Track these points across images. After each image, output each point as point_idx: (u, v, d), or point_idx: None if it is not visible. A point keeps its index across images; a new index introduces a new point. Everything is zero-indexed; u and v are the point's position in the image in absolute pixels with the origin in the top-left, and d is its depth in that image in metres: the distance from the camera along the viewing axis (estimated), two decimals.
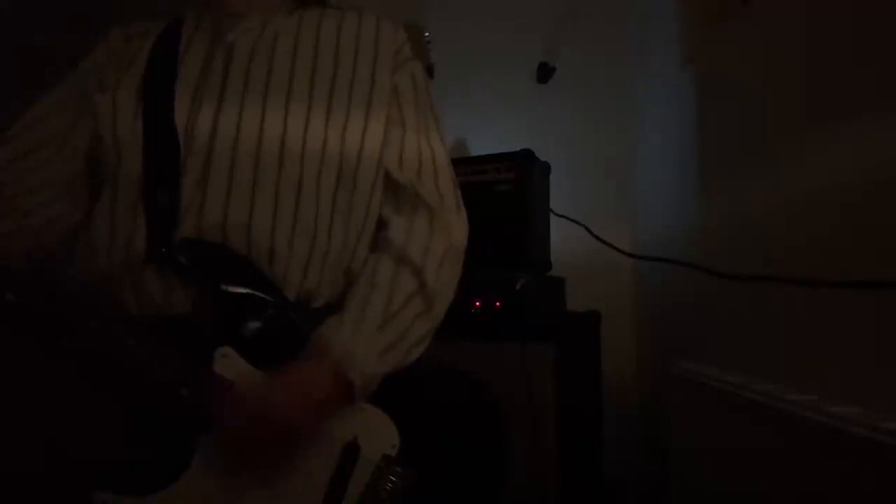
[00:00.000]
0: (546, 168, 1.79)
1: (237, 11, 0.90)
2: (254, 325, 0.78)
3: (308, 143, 0.84)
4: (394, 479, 0.73)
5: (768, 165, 1.20)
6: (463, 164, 1.74)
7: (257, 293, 0.79)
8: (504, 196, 1.64)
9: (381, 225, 0.90)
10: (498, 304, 1.53)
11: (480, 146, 2.05)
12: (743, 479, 1.10)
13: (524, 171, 1.64)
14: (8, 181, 0.84)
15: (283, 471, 0.73)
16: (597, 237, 1.81)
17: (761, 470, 1.03)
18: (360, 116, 0.88)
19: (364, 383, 0.76)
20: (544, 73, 2.11)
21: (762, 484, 1.03)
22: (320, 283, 0.84)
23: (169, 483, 0.69)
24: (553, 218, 1.83)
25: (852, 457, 0.79)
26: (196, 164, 0.81)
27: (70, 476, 0.66)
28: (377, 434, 0.76)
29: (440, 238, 0.88)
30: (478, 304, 1.54)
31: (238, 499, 0.71)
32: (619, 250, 1.79)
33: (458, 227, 0.92)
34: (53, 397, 0.69)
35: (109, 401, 0.70)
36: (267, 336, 0.78)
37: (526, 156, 1.65)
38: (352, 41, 0.91)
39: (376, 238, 0.90)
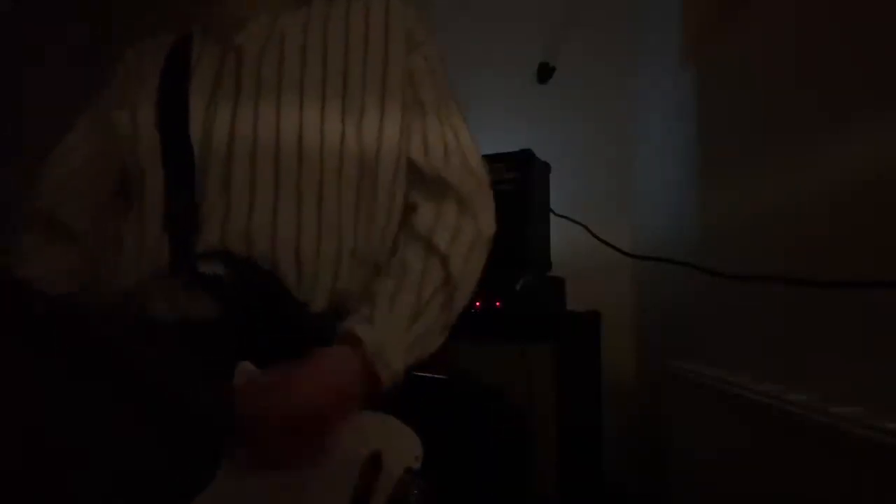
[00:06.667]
0: (546, 168, 1.79)
1: (242, 15, 0.89)
2: (278, 336, 0.77)
3: (326, 138, 0.82)
4: (416, 491, 0.72)
5: (768, 165, 1.20)
6: None
7: (282, 304, 0.78)
8: (504, 196, 1.62)
9: (409, 209, 0.89)
10: (498, 304, 1.53)
11: (480, 146, 2.04)
12: (743, 479, 1.10)
13: (524, 171, 1.64)
14: (58, 205, 0.90)
15: (307, 479, 0.71)
16: (597, 237, 1.81)
17: (761, 470, 1.03)
18: (376, 106, 0.86)
19: (391, 379, 0.75)
20: (544, 73, 2.11)
21: (762, 484, 1.03)
22: (351, 281, 0.82)
23: (193, 497, 0.67)
24: (553, 218, 1.83)
25: (852, 457, 0.79)
26: (216, 173, 0.81)
27: (94, 488, 0.64)
28: (400, 446, 0.74)
29: (468, 226, 0.86)
30: (478, 304, 1.54)
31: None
32: (619, 250, 1.79)
33: (486, 212, 0.90)
34: (78, 410, 0.67)
35: (133, 415, 0.67)
36: (291, 348, 0.75)
37: (526, 156, 1.65)
38: (361, 28, 0.89)
39: (402, 225, 0.89)
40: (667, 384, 1.49)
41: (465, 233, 0.86)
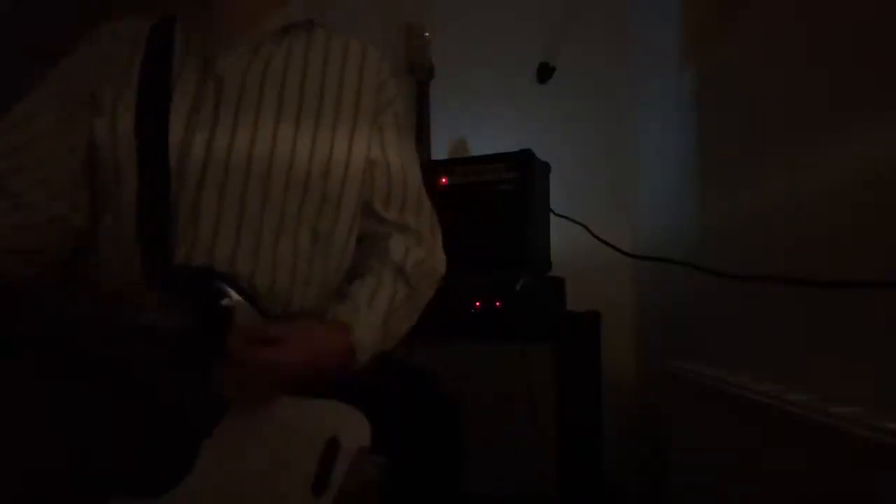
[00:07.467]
0: (546, 168, 1.79)
1: (227, 36, 0.91)
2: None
3: (292, 178, 0.88)
4: (368, 467, 0.84)
5: (768, 165, 1.20)
6: (463, 164, 1.74)
7: (249, 312, 0.85)
8: (504, 196, 1.64)
9: (381, 237, 0.98)
10: (498, 304, 1.53)
11: (480, 146, 2.05)
12: (743, 480, 1.10)
13: (524, 171, 1.64)
14: (10, 173, 0.84)
15: (275, 462, 0.80)
16: (597, 237, 1.81)
17: (761, 470, 1.03)
18: (343, 152, 0.93)
19: (361, 357, 0.86)
20: (544, 73, 2.11)
21: (762, 484, 1.03)
22: (304, 303, 0.90)
23: (173, 486, 0.74)
24: (553, 218, 1.83)
25: (852, 457, 0.79)
26: (187, 199, 0.85)
27: (86, 479, 0.69)
28: (353, 429, 0.84)
29: (427, 259, 0.99)
30: (478, 304, 1.54)
31: (237, 494, 0.78)
32: (619, 250, 1.79)
33: (439, 257, 1.03)
34: (73, 408, 0.72)
35: (120, 412, 0.73)
36: None
37: (526, 156, 1.65)
38: (336, 77, 0.95)
39: (369, 249, 0.98)
40: (667, 384, 1.49)
41: (425, 265, 0.98)
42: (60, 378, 0.70)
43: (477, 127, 2.14)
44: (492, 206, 1.64)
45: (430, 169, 1.79)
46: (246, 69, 0.90)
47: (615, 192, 2.08)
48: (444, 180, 1.70)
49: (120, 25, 0.95)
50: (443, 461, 0.91)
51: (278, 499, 0.79)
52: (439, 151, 2.07)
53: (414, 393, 0.93)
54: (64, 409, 0.69)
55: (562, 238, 1.84)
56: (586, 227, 1.83)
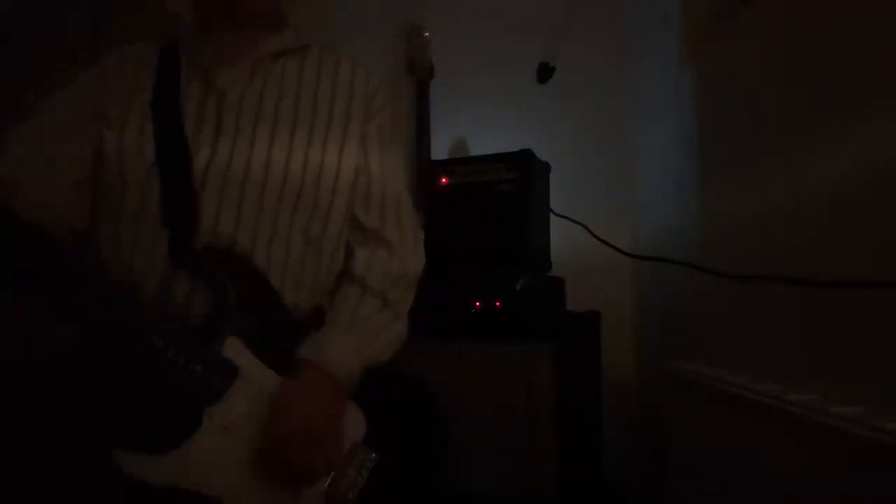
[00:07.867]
0: (546, 168, 1.79)
1: (227, 58, 0.98)
2: (260, 322, 0.91)
3: (286, 187, 0.94)
4: (362, 458, 0.90)
5: (768, 165, 1.20)
6: (463, 164, 1.74)
7: (264, 299, 0.92)
8: (504, 196, 1.64)
9: (348, 253, 1.03)
10: (498, 304, 1.53)
11: (480, 146, 2.04)
12: (743, 479, 1.10)
13: (524, 171, 1.64)
14: (19, 175, 0.90)
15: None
16: (597, 237, 1.81)
17: (761, 470, 1.03)
18: (334, 162, 0.99)
19: (347, 375, 0.91)
20: (544, 73, 2.11)
21: (762, 484, 1.03)
22: (297, 304, 0.96)
23: (177, 445, 0.81)
24: (553, 218, 1.83)
25: (853, 457, 0.79)
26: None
27: (93, 438, 0.79)
28: (350, 424, 0.92)
29: (397, 265, 1.02)
30: (478, 304, 1.55)
31: (232, 463, 0.83)
32: (619, 250, 1.79)
33: (414, 259, 1.05)
34: (85, 373, 0.81)
35: (134, 375, 0.82)
36: (268, 332, 0.91)
37: (526, 156, 1.65)
38: (328, 89, 1.02)
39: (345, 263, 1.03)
40: (667, 384, 1.49)
41: (394, 270, 1.01)
42: (66, 333, 0.79)
43: (477, 127, 2.13)
44: (492, 206, 1.64)
45: (430, 169, 1.80)
46: (245, 85, 0.98)
47: (615, 192, 2.08)
48: (444, 180, 1.70)
49: (126, 50, 1.02)
50: (421, 459, 0.97)
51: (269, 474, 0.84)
52: (439, 151, 2.07)
53: (394, 395, 0.99)
54: (68, 362, 0.79)
55: (562, 238, 1.84)
56: (586, 227, 1.83)
